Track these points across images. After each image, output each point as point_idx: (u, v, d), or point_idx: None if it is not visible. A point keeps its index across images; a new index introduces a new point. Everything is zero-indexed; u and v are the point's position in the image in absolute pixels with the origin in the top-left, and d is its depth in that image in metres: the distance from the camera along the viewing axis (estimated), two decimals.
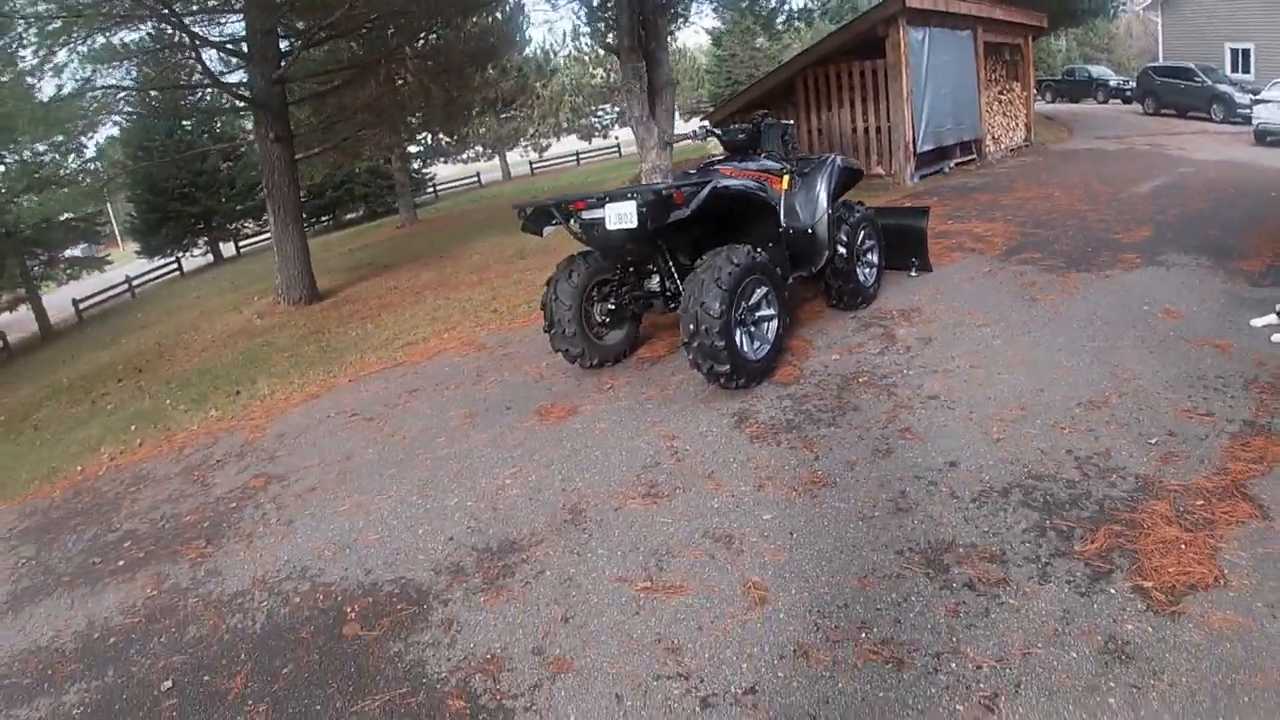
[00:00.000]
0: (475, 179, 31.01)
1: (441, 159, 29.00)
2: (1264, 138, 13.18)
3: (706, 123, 5.45)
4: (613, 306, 4.46)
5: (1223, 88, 17.48)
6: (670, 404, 3.99)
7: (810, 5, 17.03)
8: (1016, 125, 14.15)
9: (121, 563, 3.47)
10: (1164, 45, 21.61)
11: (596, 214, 3.82)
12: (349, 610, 2.72)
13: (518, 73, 24.89)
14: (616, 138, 34.51)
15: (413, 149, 22.98)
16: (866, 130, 11.23)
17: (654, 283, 4.37)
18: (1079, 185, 9.35)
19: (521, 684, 2.22)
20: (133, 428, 5.55)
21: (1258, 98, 13.97)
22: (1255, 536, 2.45)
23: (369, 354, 6.27)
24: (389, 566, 2.95)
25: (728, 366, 3.69)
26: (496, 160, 32.83)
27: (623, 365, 4.66)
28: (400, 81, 10.35)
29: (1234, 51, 20.19)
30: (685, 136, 5.62)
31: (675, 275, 4.20)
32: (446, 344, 5.98)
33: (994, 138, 12.93)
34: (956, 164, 11.79)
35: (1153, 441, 3.07)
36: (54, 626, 3.04)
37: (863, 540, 2.66)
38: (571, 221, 4.00)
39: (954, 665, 2.08)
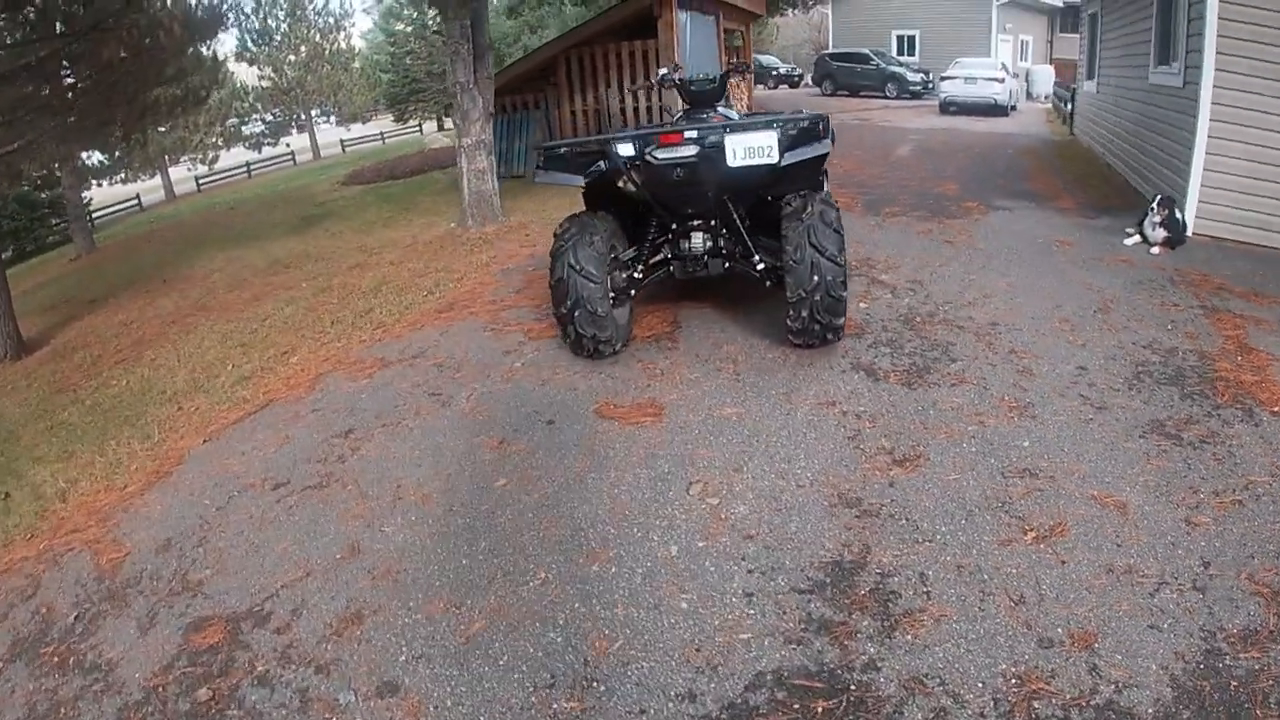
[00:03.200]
0: (135, 201, 24.81)
1: (94, 180, 22.28)
2: (948, 108, 17.02)
3: (665, 70, 4.87)
4: (639, 275, 3.71)
5: (895, 69, 21.76)
6: (764, 374, 3.49)
7: None
8: (744, 109, 15.87)
9: None
10: (834, 34, 26.06)
11: (684, 152, 3.21)
12: None
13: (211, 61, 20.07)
14: (289, 145, 30.49)
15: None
16: (636, 111, 11.43)
17: (697, 241, 3.72)
18: (848, 154, 10.74)
19: None
20: None
21: (944, 74, 17.72)
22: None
23: (194, 400, 4.36)
24: None
25: (843, 320, 3.34)
26: (158, 180, 26.50)
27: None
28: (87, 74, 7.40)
29: (900, 38, 25.17)
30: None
31: (742, 228, 3.65)
32: (317, 369, 4.42)
33: None
34: None
35: (1168, 326, 3.88)
36: None
37: None
38: (632, 164, 3.26)
39: None
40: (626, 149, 3.30)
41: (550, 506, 2.59)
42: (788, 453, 2.82)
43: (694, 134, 3.22)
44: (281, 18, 26.97)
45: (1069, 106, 13.68)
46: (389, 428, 3.44)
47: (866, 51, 22.34)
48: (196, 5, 8.07)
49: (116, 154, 19.41)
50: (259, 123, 29.85)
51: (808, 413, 3.11)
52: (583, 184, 3.51)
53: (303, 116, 31.61)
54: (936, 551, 2.27)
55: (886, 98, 20.88)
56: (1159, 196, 5.25)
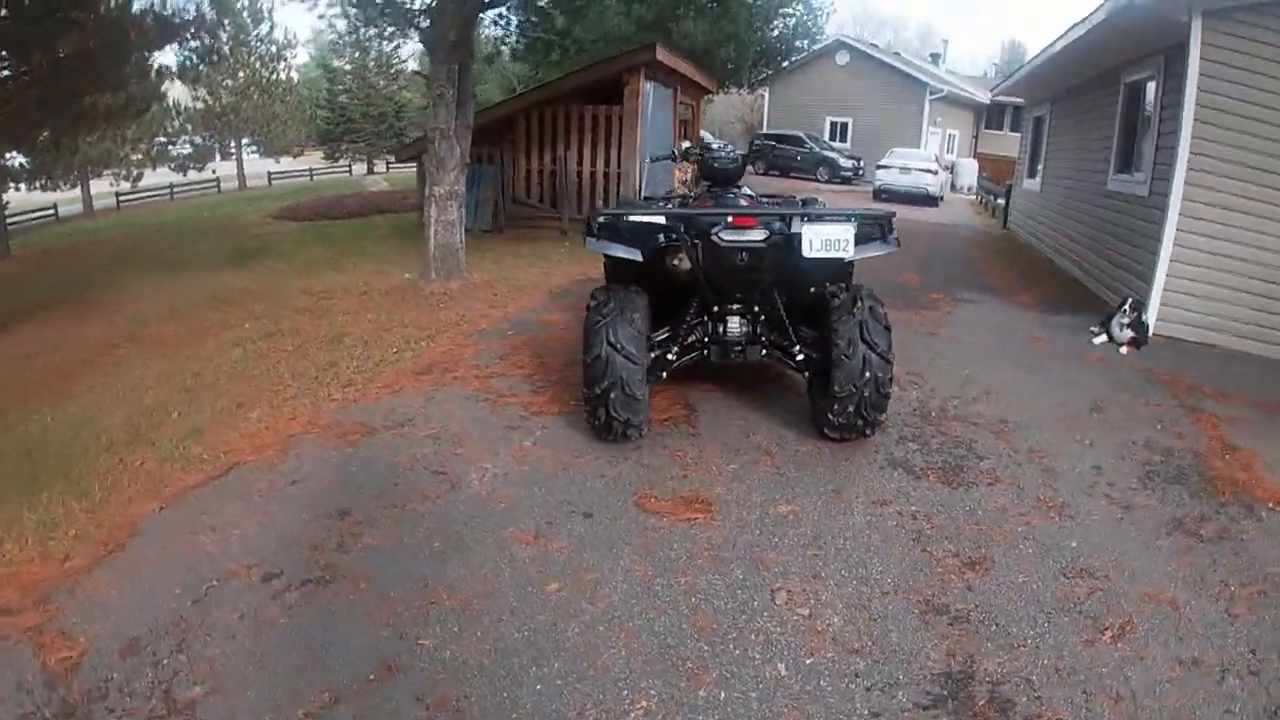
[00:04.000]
0: (51, 212, 22.89)
1: (12, 184, 20.32)
2: (880, 194, 17.93)
3: (687, 143, 4.86)
4: (672, 358, 3.59)
5: (828, 153, 22.93)
6: (804, 468, 3.42)
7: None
8: (687, 181, 16.29)
9: None
10: (769, 115, 27.39)
11: (754, 236, 3.16)
12: None
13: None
14: (214, 170, 29.16)
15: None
16: (593, 175, 11.52)
17: (734, 326, 3.64)
18: None
19: None
20: None
21: (880, 163, 18.81)
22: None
23: (137, 453, 3.85)
24: None
25: (885, 416, 3.30)
26: (77, 191, 24.56)
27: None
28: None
29: (834, 124, 26.70)
30: None
31: (785, 317, 3.62)
32: (285, 429, 3.99)
33: None
34: None
35: (1158, 427, 4.13)
36: None
37: None
38: (697, 242, 3.18)
39: None
40: (668, 230, 3.24)
41: (621, 618, 2.35)
42: (860, 556, 2.73)
43: (766, 220, 3.18)
44: (224, 39, 26.12)
45: (1000, 201, 14.78)
46: (393, 511, 3.11)
47: (800, 134, 23.52)
48: (155, 10, 7.64)
49: (41, 158, 17.95)
50: (187, 145, 28.46)
51: (864, 512, 3.04)
52: (639, 258, 3.34)
53: (232, 144, 30.43)
54: (1033, 656, 2.31)
55: (818, 180, 21.77)
56: (1129, 299, 5.62)
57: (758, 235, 3.17)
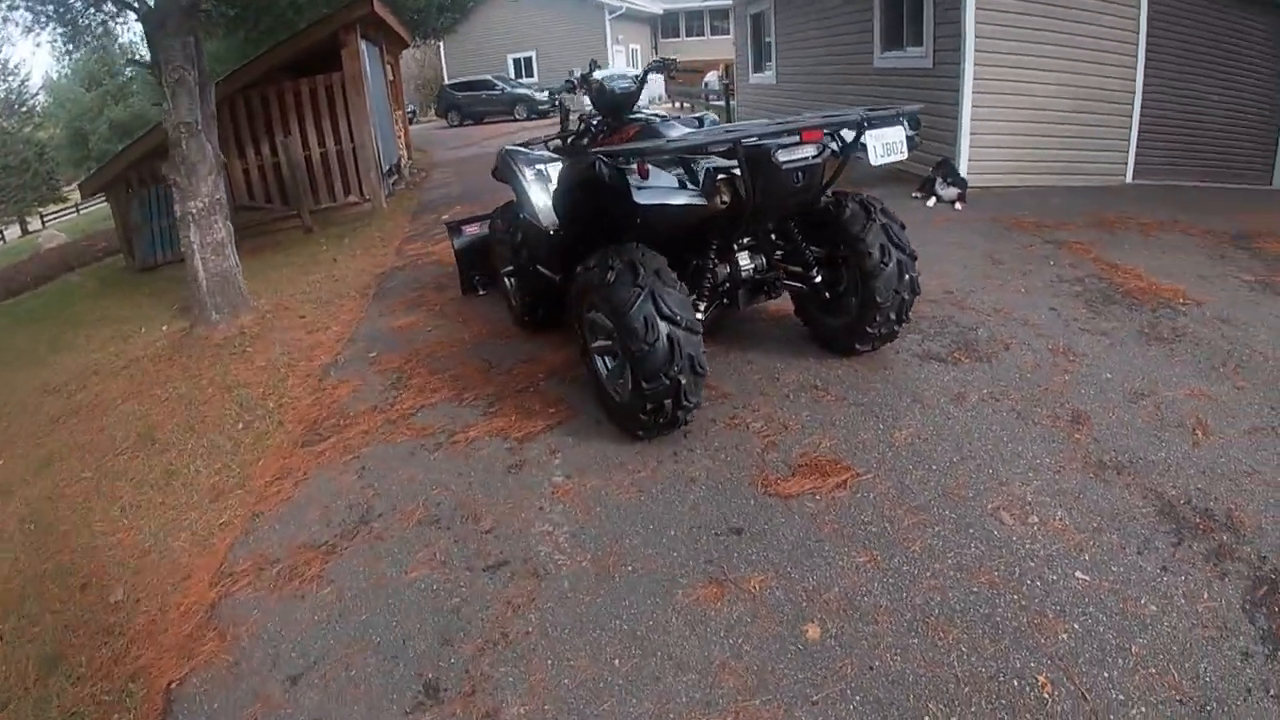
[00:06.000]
0: None
1: None
2: None
3: (577, 70, 4.08)
4: (702, 316, 3.13)
5: (522, 91, 22.38)
6: (860, 388, 3.29)
7: None
8: (401, 143, 14.95)
9: None
10: (448, 66, 25.85)
11: (809, 153, 2.78)
12: None
13: None
14: None
15: None
16: (324, 156, 10.00)
17: (746, 263, 3.28)
18: None
19: None
20: None
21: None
22: None
23: None
24: None
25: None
26: None
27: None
28: None
29: (517, 60, 25.89)
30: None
31: (802, 241, 3.35)
32: (192, 600, 2.77)
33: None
34: (393, 183, 11.75)
35: (1051, 263, 4.66)
36: None
37: None
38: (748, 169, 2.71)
39: None
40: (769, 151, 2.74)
41: (933, 621, 2.00)
42: (1001, 450, 2.80)
43: (840, 123, 2.84)
44: None
45: (722, 102, 15.71)
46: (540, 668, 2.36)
47: (490, 78, 23.01)
48: None
49: None
50: None
51: (958, 411, 3.09)
52: (691, 203, 2.74)
53: None
54: (1193, 471, 2.52)
55: (516, 120, 21.57)
56: (939, 160, 6.28)
57: (812, 151, 2.84)
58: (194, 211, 5.54)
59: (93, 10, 9.16)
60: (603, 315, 2.92)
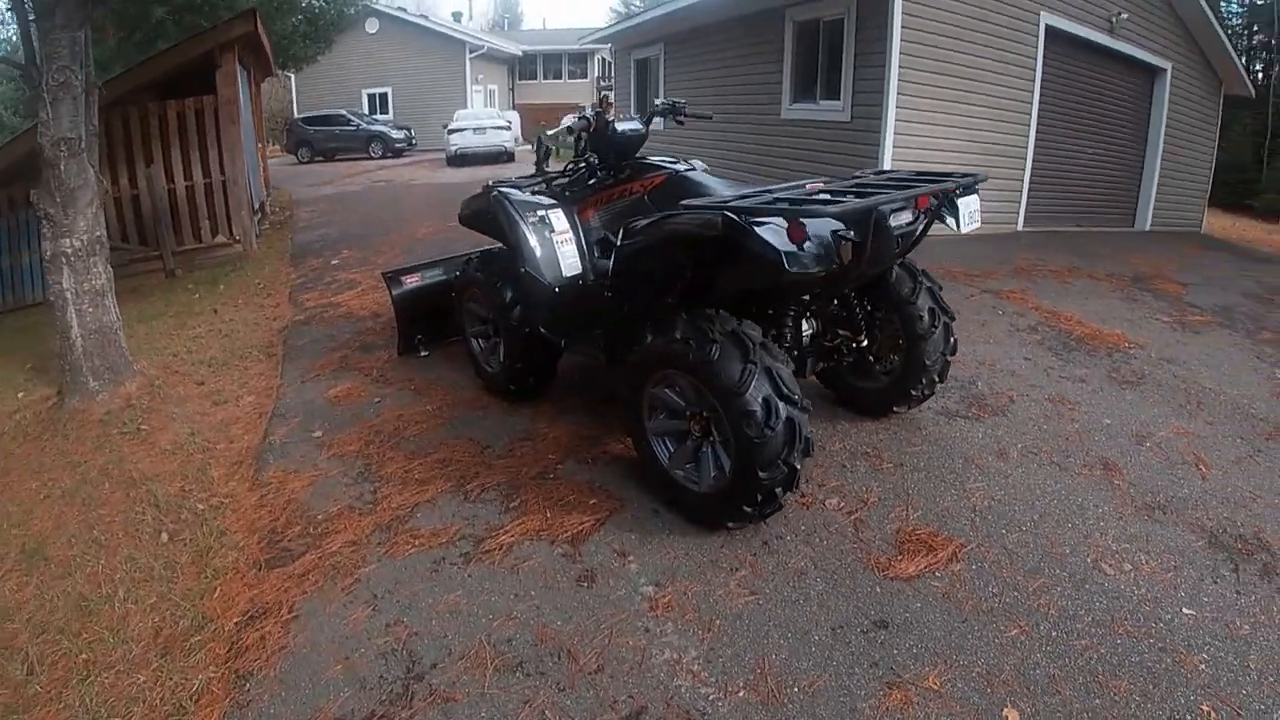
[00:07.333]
0: None
1: None
2: (457, 160, 17.62)
3: (584, 112, 3.71)
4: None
5: (378, 128, 21.39)
6: (905, 449, 3.34)
7: None
8: (262, 180, 13.84)
9: None
10: (299, 100, 24.20)
11: (908, 218, 2.72)
12: None
13: None
14: None
15: None
16: (190, 190, 8.92)
17: (805, 329, 3.20)
18: (420, 218, 10.22)
19: None
20: None
21: (451, 127, 18.13)
22: None
23: None
24: None
25: None
26: None
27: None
28: None
29: (372, 96, 24.70)
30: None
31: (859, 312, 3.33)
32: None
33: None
34: (259, 224, 10.82)
35: (999, 312, 5.08)
36: None
37: None
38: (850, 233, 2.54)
39: None
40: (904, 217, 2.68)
41: (1114, 704, 1.96)
42: (1056, 497, 2.94)
43: (945, 189, 2.77)
44: None
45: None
46: None
47: (344, 112, 22.05)
48: None
49: None
50: None
51: (1003, 466, 3.21)
52: (830, 269, 2.52)
53: None
54: (1220, 484, 2.77)
55: (372, 158, 20.81)
56: None
57: (912, 216, 2.77)
58: (68, 251, 4.57)
59: None
60: (677, 393, 2.73)
